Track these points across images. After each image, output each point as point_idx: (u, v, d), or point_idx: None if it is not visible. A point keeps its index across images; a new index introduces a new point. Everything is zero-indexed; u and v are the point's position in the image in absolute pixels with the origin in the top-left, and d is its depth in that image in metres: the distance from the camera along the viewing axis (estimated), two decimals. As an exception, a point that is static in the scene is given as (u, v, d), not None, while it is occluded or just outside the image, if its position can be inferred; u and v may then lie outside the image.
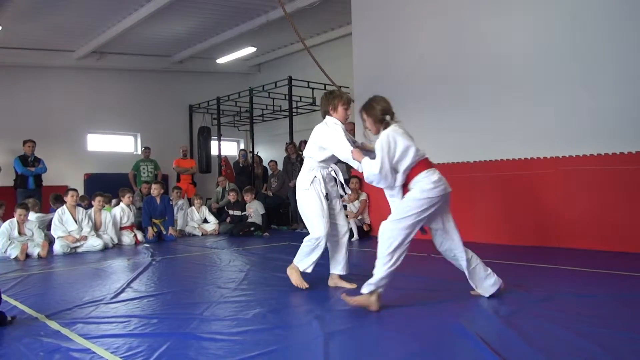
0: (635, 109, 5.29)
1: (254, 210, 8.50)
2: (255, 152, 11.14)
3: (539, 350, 2.28)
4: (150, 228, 7.69)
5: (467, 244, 3.24)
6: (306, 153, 3.85)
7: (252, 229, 8.30)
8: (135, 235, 7.55)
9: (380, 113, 3.23)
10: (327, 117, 3.75)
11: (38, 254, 6.06)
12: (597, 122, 5.55)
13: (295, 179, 9.53)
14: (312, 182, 3.74)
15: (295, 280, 3.79)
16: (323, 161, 3.77)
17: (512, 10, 6.25)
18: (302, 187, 3.79)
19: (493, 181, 6.38)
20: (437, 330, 2.67)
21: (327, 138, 3.64)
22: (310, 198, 3.73)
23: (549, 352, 2.27)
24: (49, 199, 7.95)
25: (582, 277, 4.13)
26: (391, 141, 3.09)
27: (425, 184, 3.09)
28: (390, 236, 3.04)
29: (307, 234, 3.80)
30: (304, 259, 3.80)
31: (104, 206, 7.34)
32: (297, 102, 10.50)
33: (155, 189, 7.97)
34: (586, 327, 2.62)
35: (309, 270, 3.82)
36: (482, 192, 6.48)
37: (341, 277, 3.88)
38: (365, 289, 3.01)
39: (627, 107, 5.35)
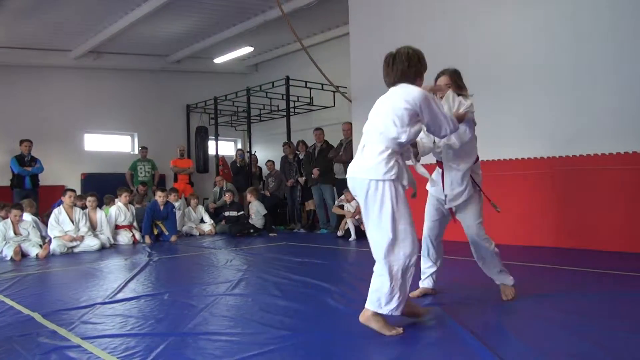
0: (633, 110, 5.30)
1: (255, 212, 8.48)
2: (252, 152, 11.14)
3: (536, 350, 2.29)
4: (147, 236, 7.51)
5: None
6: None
7: (251, 231, 8.29)
8: (133, 235, 7.54)
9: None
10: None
11: (36, 255, 6.06)
12: (594, 123, 5.55)
13: (293, 178, 9.43)
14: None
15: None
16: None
17: (510, 9, 6.26)
18: None
19: (489, 181, 6.36)
20: (433, 329, 2.67)
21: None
22: None
23: (546, 351, 2.28)
24: (43, 198, 7.92)
25: (579, 276, 4.14)
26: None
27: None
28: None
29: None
30: None
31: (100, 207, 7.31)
32: (294, 101, 10.49)
33: (160, 197, 7.79)
34: (583, 327, 2.63)
35: None
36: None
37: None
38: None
39: (625, 108, 5.35)
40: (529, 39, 6.08)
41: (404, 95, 2.61)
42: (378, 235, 2.59)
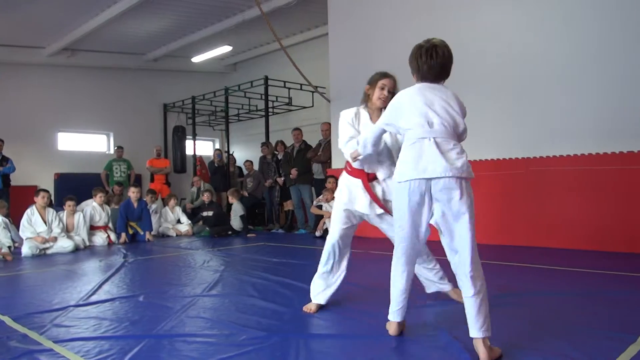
0: (608, 111, 5.41)
1: (233, 212, 8.43)
2: (231, 152, 11.07)
3: (510, 348, 2.32)
4: (123, 234, 7.46)
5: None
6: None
7: (229, 233, 8.24)
8: (108, 236, 7.42)
9: None
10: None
11: (4, 257, 5.91)
12: (571, 123, 5.66)
13: (271, 178, 9.33)
14: None
15: None
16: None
17: (490, 9, 6.35)
18: None
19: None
20: (409, 328, 2.69)
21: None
22: None
23: (520, 349, 2.31)
24: (15, 199, 7.73)
25: (553, 275, 4.22)
26: None
27: None
28: None
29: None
30: None
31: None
32: (273, 101, 10.47)
33: (134, 193, 7.75)
34: (557, 325, 2.68)
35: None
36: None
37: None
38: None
39: (599, 109, 5.46)
40: (506, 41, 6.18)
41: (454, 95, 2.47)
42: (472, 245, 2.23)
